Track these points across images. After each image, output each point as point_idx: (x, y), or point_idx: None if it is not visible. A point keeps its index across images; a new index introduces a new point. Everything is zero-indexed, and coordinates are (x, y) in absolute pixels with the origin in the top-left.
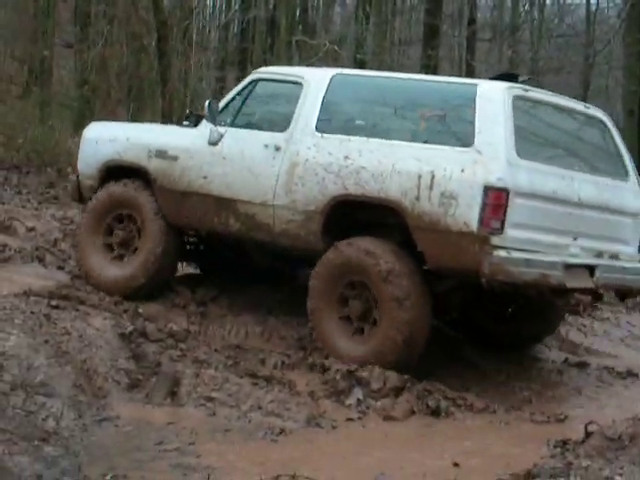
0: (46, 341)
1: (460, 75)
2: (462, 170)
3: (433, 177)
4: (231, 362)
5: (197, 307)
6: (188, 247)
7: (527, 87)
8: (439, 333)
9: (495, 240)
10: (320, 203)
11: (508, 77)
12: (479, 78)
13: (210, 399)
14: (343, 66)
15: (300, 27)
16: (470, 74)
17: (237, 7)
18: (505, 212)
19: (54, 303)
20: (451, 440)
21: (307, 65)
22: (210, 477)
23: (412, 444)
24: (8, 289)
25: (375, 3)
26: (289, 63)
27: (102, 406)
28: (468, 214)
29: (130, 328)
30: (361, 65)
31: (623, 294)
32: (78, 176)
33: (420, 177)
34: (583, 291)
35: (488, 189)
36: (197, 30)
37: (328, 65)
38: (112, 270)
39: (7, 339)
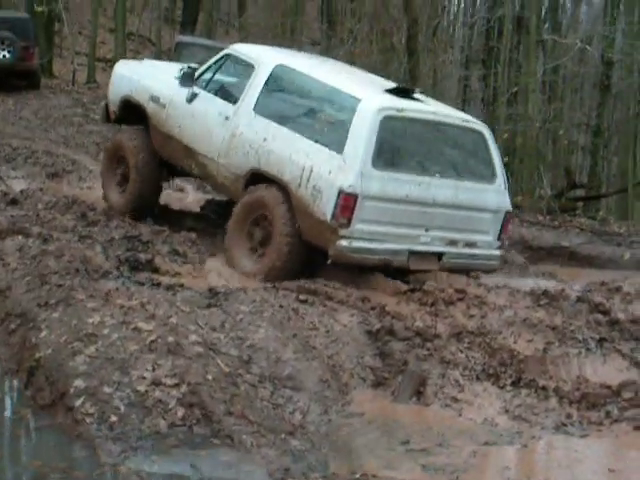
0: (294, 335)
1: None
2: (329, 172)
3: (311, 172)
4: (479, 363)
5: (444, 305)
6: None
7: (403, 107)
8: None
9: (342, 232)
10: (243, 171)
11: (401, 91)
12: None
13: (456, 400)
14: (590, 66)
15: (547, 26)
16: None
17: (484, 6)
18: (352, 212)
19: (302, 297)
20: None
21: (555, 65)
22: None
23: None
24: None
25: (627, 1)
26: (535, 62)
27: (347, 402)
28: (326, 207)
29: (377, 326)
30: (608, 66)
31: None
32: (107, 103)
33: (304, 169)
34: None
35: (341, 192)
36: (443, 28)
37: (574, 64)
38: (116, 196)
39: (256, 331)
